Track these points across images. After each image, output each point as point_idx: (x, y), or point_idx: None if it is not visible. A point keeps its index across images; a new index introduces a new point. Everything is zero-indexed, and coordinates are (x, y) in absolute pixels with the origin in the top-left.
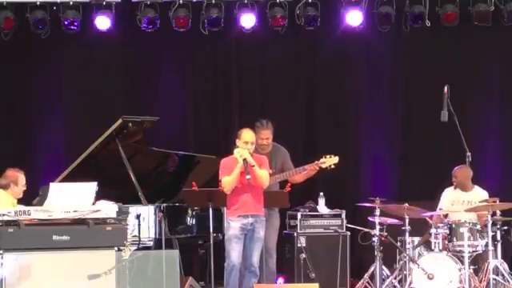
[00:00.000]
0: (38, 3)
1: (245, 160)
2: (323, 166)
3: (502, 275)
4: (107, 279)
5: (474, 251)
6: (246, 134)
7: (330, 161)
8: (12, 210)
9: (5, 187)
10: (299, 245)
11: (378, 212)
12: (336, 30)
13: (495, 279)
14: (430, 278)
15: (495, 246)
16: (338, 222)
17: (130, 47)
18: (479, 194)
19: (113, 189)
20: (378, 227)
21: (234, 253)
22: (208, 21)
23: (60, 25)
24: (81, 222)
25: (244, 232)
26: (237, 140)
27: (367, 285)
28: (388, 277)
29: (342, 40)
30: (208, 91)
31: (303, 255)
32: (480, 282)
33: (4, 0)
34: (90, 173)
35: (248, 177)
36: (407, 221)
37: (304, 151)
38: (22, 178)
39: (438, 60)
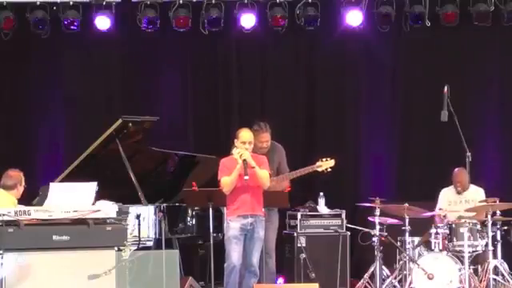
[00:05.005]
0: (38, 3)
1: (244, 161)
2: (319, 169)
3: (502, 275)
4: (107, 279)
5: (474, 251)
6: (244, 134)
7: (326, 164)
8: (12, 210)
9: (11, 188)
10: (299, 245)
11: (377, 212)
12: (336, 29)
13: (495, 279)
14: (430, 278)
15: (495, 246)
16: (338, 222)
17: (130, 47)
18: (475, 192)
19: (113, 189)
20: (377, 227)
21: (234, 253)
22: (208, 21)
23: (60, 25)
24: (81, 221)
25: (244, 232)
26: (235, 140)
27: (367, 285)
28: (388, 277)
29: (342, 40)
30: (208, 91)
31: (303, 255)
32: (480, 282)
33: (4, 0)
34: (90, 173)
35: (246, 177)
36: (407, 221)
37: (304, 151)
38: (23, 178)
39: (437, 60)
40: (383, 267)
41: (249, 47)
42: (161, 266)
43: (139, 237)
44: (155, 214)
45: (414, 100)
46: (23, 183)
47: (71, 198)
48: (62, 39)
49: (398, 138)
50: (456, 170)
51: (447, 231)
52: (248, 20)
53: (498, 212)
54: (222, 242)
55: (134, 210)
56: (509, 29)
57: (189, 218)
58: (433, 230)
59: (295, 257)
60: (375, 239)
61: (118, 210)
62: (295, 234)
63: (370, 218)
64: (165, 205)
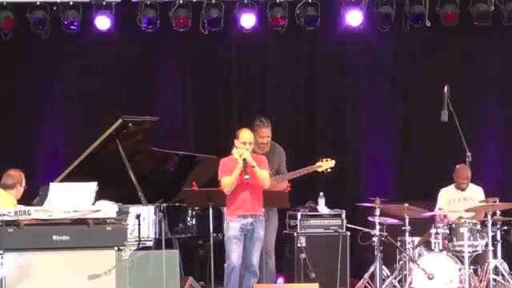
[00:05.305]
0: (38, 3)
1: (245, 160)
2: (319, 169)
3: (502, 275)
4: (107, 279)
5: (474, 251)
6: (245, 134)
7: (326, 164)
8: (12, 209)
9: (11, 187)
10: (299, 245)
11: (377, 212)
12: (336, 29)
13: (495, 279)
14: (430, 278)
15: (495, 245)
16: (338, 222)
17: (130, 47)
18: (474, 190)
19: (113, 189)
20: (377, 227)
21: (234, 253)
22: (208, 21)
23: (60, 25)
24: (81, 221)
25: (244, 232)
26: (235, 140)
27: (367, 285)
28: (388, 277)
29: (342, 40)
30: (208, 91)
31: (303, 255)
32: (480, 282)
33: (4, 0)
34: (90, 173)
35: (246, 177)
36: (407, 221)
37: (304, 151)
38: (23, 179)
39: (438, 60)
40: (383, 267)
41: (249, 47)
42: (161, 266)
43: (139, 237)
44: (155, 213)
45: (413, 100)
46: (23, 184)
47: (71, 198)
48: (61, 39)
49: (398, 138)
50: (458, 166)
51: (447, 231)
52: (248, 20)
53: (498, 212)
54: (222, 242)
55: (134, 209)
56: (509, 29)
57: (189, 218)
58: (433, 230)
59: (295, 257)
60: (375, 239)
61: (118, 209)
62: (295, 234)
63: (370, 218)
64: (165, 205)
